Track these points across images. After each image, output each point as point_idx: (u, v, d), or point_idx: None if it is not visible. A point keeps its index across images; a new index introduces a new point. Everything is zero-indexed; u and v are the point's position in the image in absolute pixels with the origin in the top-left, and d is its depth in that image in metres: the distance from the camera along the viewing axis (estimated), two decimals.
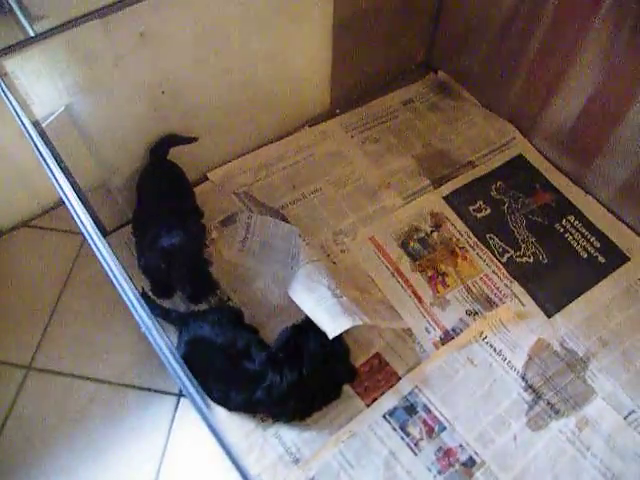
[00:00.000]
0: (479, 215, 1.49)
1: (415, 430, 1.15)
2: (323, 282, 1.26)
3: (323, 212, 1.49)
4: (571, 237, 1.45)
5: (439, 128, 1.69)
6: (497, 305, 1.33)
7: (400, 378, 1.21)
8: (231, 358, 1.13)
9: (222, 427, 0.68)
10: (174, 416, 1.21)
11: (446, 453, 1.13)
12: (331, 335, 1.15)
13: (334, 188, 1.54)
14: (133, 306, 0.74)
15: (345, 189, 1.54)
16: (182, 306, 1.28)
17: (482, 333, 1.28)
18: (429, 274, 1.38)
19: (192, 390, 0.71)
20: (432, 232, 1.45)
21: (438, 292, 1.35)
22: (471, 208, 1.50)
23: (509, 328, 1.29)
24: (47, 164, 0.84)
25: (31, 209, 1.50)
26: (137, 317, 0.73)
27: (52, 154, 0.86)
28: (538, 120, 1.58)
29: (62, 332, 1.32)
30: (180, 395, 1.23)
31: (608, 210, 1.49)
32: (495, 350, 1.26)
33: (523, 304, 1.33)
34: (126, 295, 0.74)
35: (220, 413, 1.14)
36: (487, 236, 1.45)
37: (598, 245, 1.43)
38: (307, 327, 1.14)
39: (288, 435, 1.14)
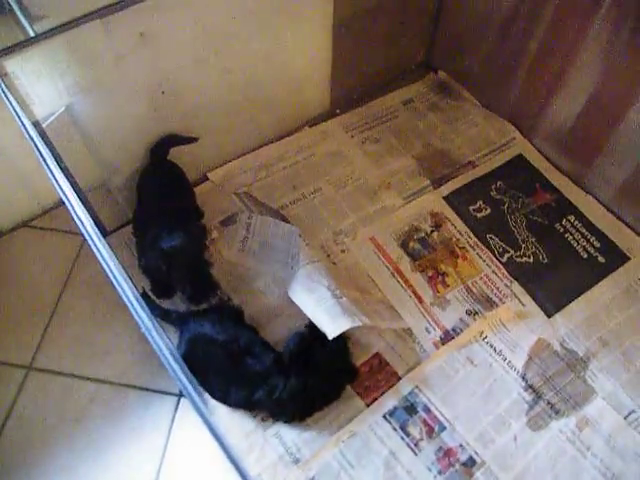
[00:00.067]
0: (479, 215, 1.49)
1: (415, 430, 1.15)
2: (323, 283, 1.26)
3: (323, 212, 1.49)
4: (571, 237, 1.45)
5: (439, 128, 1.69)
6: (497, 305, 1.33)
7: (400, 378, 1.21)
8: (232, 355, 1.13)
9: (222, 427, 0.68)
10: (174, 416, 1.21)
11: (446, 453, 1.13)
12: (331, 336, 1.15)
13: (334, 188, 1.54)
14: (133, 306, 0.74)
15: (345, 189, 1.54)
16: (182, 306, 1.28)
17: (482, 333, 1.28)
18: (429, 274, 1.38)
19: (192, 391, 0.71)
20: (432, 232, 1.45)
21: (438, 292, 1.35)
22: (471, 208, 1.50)
23: (509, 328, 1.29)
24: (47, 164, 0.84)
25: (31, 209, 1.50)
26: (137, 317, 0.73)
27: (52, 154, 0.86)
28: (538, 120, 1.58)
29: (62, 332, 1.32)
30: (180, 395, 1.23)
31: (608, 210, 1.49)
32: (495, 350, 1.26)
33: (523, 304, 1.33)
34: (126, 295, 0.74)
35: (220, 413, 1.14)
36: (487, 236, 1.45)
37: (598, 245, 1.43)
38: (316, 335, 1.14)
39: (288, 435, 1.14)
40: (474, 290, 1.35)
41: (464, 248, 1.42)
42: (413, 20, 1.69)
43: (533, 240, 1.44)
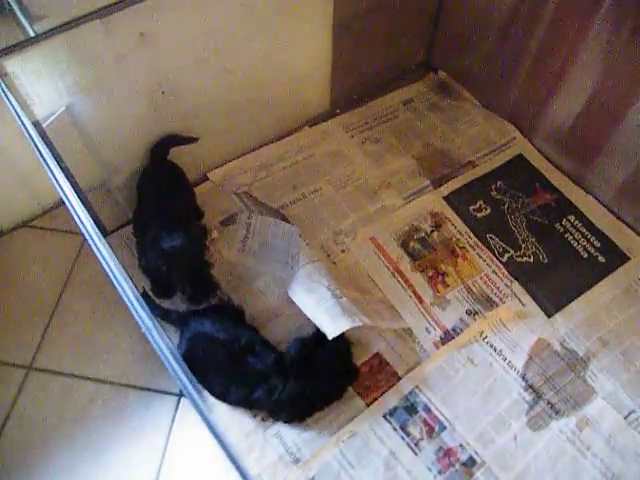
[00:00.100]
0: (479, 215, 1.49)
1: (415, 430, 1.15)
2: (323, 283, 1.26)
3: (323, 212, 1.49)
4: (571, 237, 1.45)
5: (439, 128, 1.69)
6: (497, 305, 1.33)
7: (400, 378, 1.21)
8: (233, 353, 1.13)
9: (222, 427, 0.68)
10: (174, 416, 1.21)
11: (446, 453, 1.13)
12: (330, 336, 1.15)
13: (334, 188, 1.54)
14: (133, 306, 0.74)
15: (345, 189, 1.54)
16: (182, 306, 1.28)
17: (482, 333, 1.28)
18: (429, 274, 1.38)
19: (192, 390, 0.71)
20: (432, 232, 1.45)
21: (438, 292, 1.35)
22: (471, 208, 1.50)
23: (509, 328, 1.29)
24: (47, 164, 0.84)
25: (31, 209, 1.50)
26: (137, 317, 0.74)
27: (52, 154, 0.86)
28: (538, 120, 1.58)
29: (62, 332, 1.32)
30: (180, 395, 1.23)
31: (608, 210, 1.49)
32: (495, 350, 1.26)
33: (523, 304, 1.33)
34: (126, 295, 0.74)
35: (220, 413, 1.14)
36: (487, 236, 1.45)
37: (598, 245, 1.43)
38: (318, 341, 1.14)
39: (288, 435, 1.14)
40: (474, 290, 1.35)
41: (464, 248, 1.42)
42: (413, 20, 1.69)
43: (533, 240, 1.44)
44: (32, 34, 1.05)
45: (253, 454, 1.11)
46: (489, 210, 1.50)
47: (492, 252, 1.42)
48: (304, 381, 1.09)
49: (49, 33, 1.02)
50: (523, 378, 1.22)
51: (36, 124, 1.05)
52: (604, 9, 1.25)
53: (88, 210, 0.81)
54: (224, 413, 1.14)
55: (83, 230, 0.79)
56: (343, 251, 1.41)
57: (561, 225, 1.47)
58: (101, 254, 0.77)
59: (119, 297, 0.75)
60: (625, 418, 1.18)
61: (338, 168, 1.59)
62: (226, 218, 1.45)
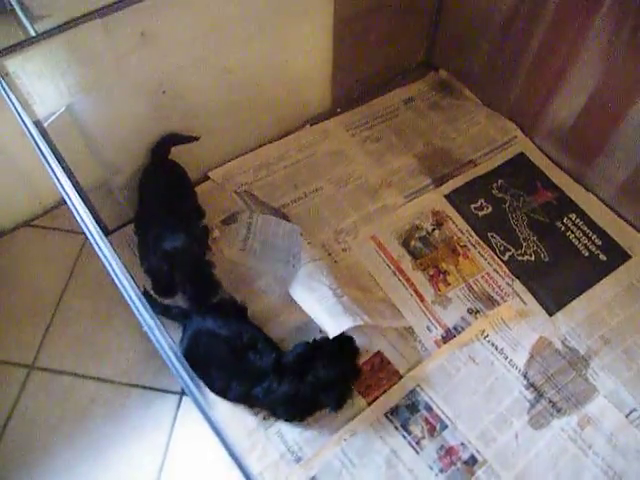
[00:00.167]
0: (480, 213, 1.49)
1: (417, 428, 1.15)
2: (324, 282, 1.26)
3: (324, 211, 1.49)
4: (572, 235, 1.45)
5: (440, 127, 1.69)
6: (499, 303, 1.33)
7: (402, 377, 1.21)
8: (235, 349, 1.13)
9: (224, 426, 0.68)
10: (176, 415, 1.22)
11: (448, 451, 1.13)
12: (331, 335, 1.15)
13: (335, 187, 1.54)
14: (135, 305, 0.74)
15: (346, 188, 1.54)
16: (184, 304, 1.28)
17: (484, 331, 1.28)
18: (430, 272, 1.38)
19: (194, 389, 0.71)
20: (433, 230, 1.45)
21: (439, 290, 1.35)
22: (472, 206, 1.50)
23: (511, 326, 1.29)
24: (49, 164, 0.84)
25: (33, 209, 1.50)
26: (139, 316, 0.74)
27: (54, 154, 0.86)
28: (539, 118, 1.58)
29: (64, 331, 1.32)
30: (182, 394, 1.24)
31: (609, 208, 1.49)
32: (497, 348, 1.26)
33: (525, 302, 1.33)
34: (128, 294, 0.74)
35: (222, 411, 1.14)
36: (488, 234, 1.45)
37: (599, 243, 1.43)
38: (322, 347, 1.14)
39: (290, 434, 1.14)
40: (475, 288, 1.35)
41: (465, 246, 1.42)
42: (414, 19, 1.69)
43: (534, 238, 1.44)
44: (33, 34, 1.05)
45: (255, 453, 1.12)
46: (490, 209, 1.50)
47: (493, 251, 1.42)
48: (298, 384, 1.09)
49: (50, 33, 1.02)
50: (524, 377, 1.22)
51: (37, 123, 1.05)
52: (605, 8, 1.25)
53: (89, 209, 0.81)
54: (226, 411, 1.15)
55: (84, 229, 0.79)
56: (344, 250, 1.42)
57: (562, 223, 1.47)
58: (102, 253, 0.77)
59: (120, 296, 0.75)
60: (627, 416, 1.17)
61: (339, 167, 1.58)
62: (227, 217, 1.45)
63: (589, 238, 1.44)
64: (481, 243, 1.43)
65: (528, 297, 1.34)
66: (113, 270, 0.76)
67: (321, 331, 1.23)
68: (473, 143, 1.65)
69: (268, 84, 1.48)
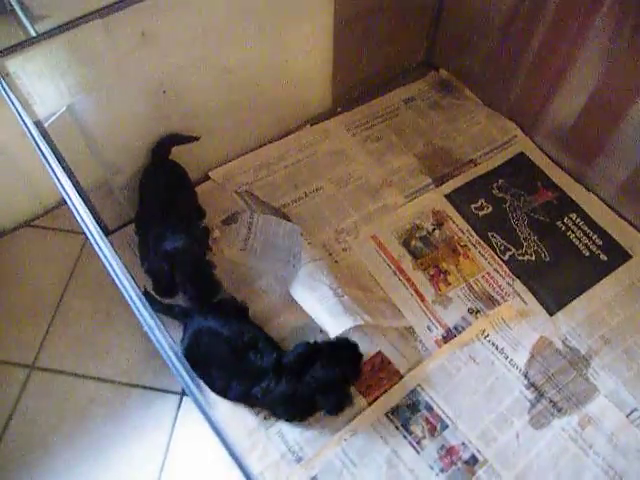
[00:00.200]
0: (481, 213, 1.49)
1: (417, 428, 1.15)
2: (325, 281, 1.26)
3: (325, 211, 1.49)
4: (573, 235, 1.45)
5: (441, 126, 1.69)
6: (499, 303, 1.33)
7: (402, 376, 1.21)
8: (236, 349, 1.13)
9: (224, 426, 0.68)
10: (177, 415, 1.22)
11: (448, 451, 1.13)
12: (332, 334, 1.15)
13: (336, 187, 1.54)
14: (135, 305, 0.74)
15: (347, 188, 1.54)
16: (184, 304, 1.28)
17: (484, 331, 1.28)
18: (431, 272, 1.38)
19: (194, 389, 0.71)
20: (434, 230, 1.45)
21: (440, 290, 1.35)
22: (473, 206, 1.50)
23: (511, 326, 1.29)
24: (49, 164, 0.84)
25: (33, 209, 1.51)
26: (139, 316, 0.74)
27: (54, 154, 0.86)
28: (540, 118, 1.58)
29: (64, 331, 1.32)
30: (183, 394, 1.24)
31: (610, 208, 1.49)
32: (497, 348, 1.26)
33: (525, 302, 1.33)
34: (128, 294, 0.74)
35: (222, 411, 1.14)
36: (489, 234, 1.45)
37: (600, 243, 1.43)
38: (322, 350, 1.13)
39: (291, 434, 1.14)
40: (476, 288, 1.35)
41: (466, 246, 1.42)
42: (414, 18, 1.69)
43: (535, 238, 1.44)
44: (33, 34, 1.05)
45: (255, 452, 1.12)
46: (491, 208, 1.50)
47: (494, 250, 1.42)
48: (295, 384, 1.08)
49: (50, 33, 1.02)
50: (525, 376, 1.22)
51: (38, 124, 1.05)
52: (605, 7, 1.25)
53: (90, 209, 0.81)
54: (226, 411, 1.15)
55: (85, 229, 0.79)
56: (345, 250, 1.41)
57: (563, 223, 1.47)
58: (103, 253, 0.77)
59: (121, 296, 0.75)
60: (627, 416, 1.17)
61: (339, 167, 1.58)
62: (228, 217, 1.45)
63: (590, 238, 1.44)
64: (481, 243, 1.43)
65: (529, 297, 1.34)
66: (113, 270, 0.76)
67: (321, 331, 1.23)
68: (473, 143, 1.65)
69: (268, 84, 1.48)
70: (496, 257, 1.40)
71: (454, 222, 1.47)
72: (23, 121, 0.90)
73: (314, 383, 1.08)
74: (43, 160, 0.85)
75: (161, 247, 1.20)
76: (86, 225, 0.79)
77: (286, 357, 1.12)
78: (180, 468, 1.16)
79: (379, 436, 1.14)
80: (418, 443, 1.14)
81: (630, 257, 1.40)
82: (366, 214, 1.48)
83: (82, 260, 1.44)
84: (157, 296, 1.28)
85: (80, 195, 0.81)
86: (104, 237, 0.78)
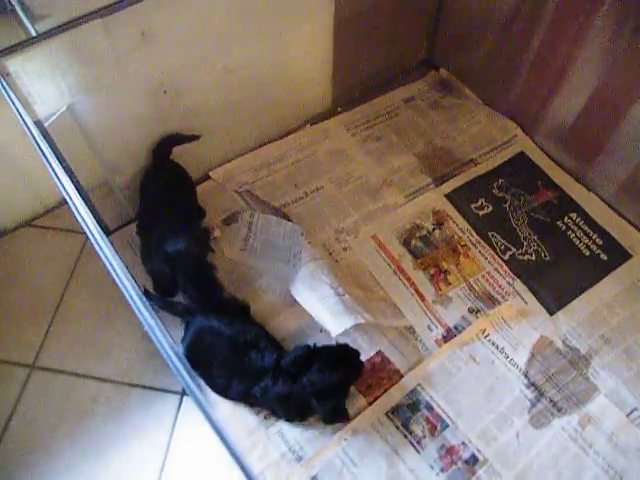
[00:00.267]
0: (481, 213, 1.49)
1: (418, 428, 1.16)
2: (325, 280, 1.26)
3: (325, 210, 1.49)
4: (573, 234, 1.45)
5: (441, 126, 1.69)
6: (499, 303, 1.33)
7: (402, 376, 1.21)
8: (238, 348, 1.13)
9: (225, 425, 0.68)
10: (177, 414, 1.22)
11: (449, 451, 1.13)
12: (333, 334, 1.15)
13: (336, 186, 1.54)
14: (136, 305, 0.74)
15: (347, 187, 1.54)
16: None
17: (484, 331, 1.28)
18: (431, 272, 1.38)
19: (195, 389, 0.71)
20: (434, 230, 1.45)
21: (440, 290, 1.35)
22: (473, 206, 1.50)
23: (511, 326, 1.29)
24: (49, 163, 0.84)
25: (34, 209, 1.51)
26: (140, 316, 0.74)
27: (54, 153, 0.86)
28: (540, 118, 1.58)
29: (65, 331, 1.32)
30: (183, 394, 1.24)
31: (610, 207, 1.49)
32: (497, 348, 1.26)
33: (525, 302, 1.33)
34: (129, 294, 0.74)
35: (223, 411, 1.14)
36: (489, 234, 1.45)
37: (600, 242, 1.43)
38: (321, 354, 1.12)
39: (291, 433, 1.14)
40: (476, 288, 1.35)
41: (466, 246, 1.42)
42: (414, 18, 1.69)
43: (535, 238, 1.44)
44: (34, 34, 1.05)
45: (256, 452, 1.12)
46: (491, 208, 1.50)
47: (494, 250, 1.42)
48: (291, 386, 1.08)
49: (51, 32, 1.02)
50: (525, 376, 1.22)
51: (38, 123, 1.05)
52: (606, 7, 1.25)
53: (90, 209, 0.81)
54: (226, 411, 1.15)
55: (85, 229, 0.79)
56: (345, 249, 1.42)
57: (563, 223, 1.47)
58: (103, 253, 0.77)
59: (121, 296, 0.75)
60: (627, 416, 1.17)
61: (339, 166, 1.58)
62: (228, 217, 1.45)
63: (590, 237, 1.44)
64: (482, 242, 1.43)
65: (529, 296, 1.34)
66: (114, 270, 0.76)
67: (322, 330, 1.23)
68: (473, 142, 1.65)
69: (268, 84, 1.48)
70: (496, 257, 1.41)
71: (454, 222, 1.47)
72: (23, 121, 0.90)
73: (310, 387, 1.07)
74: (43, 160, 0.85)
75: (162, 249, 1.20)
76: (86, 225, 0.79)
77: (284, 359, 1.12)
78: (180, 467, 1.16)
79: (379, 436, 1.14)
80: (418, 443, 1.14)
81: (630, 256, 1.41)
82: (366, 214, 1.48)
83: (82, 260, 1.44)
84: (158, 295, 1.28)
85: (80, 195, 0.81)
86: (104, 237, 0.78)
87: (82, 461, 1.16)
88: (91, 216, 0.79)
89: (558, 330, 1.29)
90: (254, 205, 1.48)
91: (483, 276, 1.37)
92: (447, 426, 1.16)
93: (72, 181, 0.83)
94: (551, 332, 1.28)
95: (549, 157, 1.60)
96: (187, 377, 0.71)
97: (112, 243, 0.78)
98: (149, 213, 1.33)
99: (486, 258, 1.40)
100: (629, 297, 1.34)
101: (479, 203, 1.51)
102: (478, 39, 1.62)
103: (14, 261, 1.44)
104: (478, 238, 1.44)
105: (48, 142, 0.90)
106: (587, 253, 1.41)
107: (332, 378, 1.08)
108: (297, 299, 1.24)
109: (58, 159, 0.85)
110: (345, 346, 1.14)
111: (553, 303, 1.33)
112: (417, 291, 1.34)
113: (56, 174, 0.83)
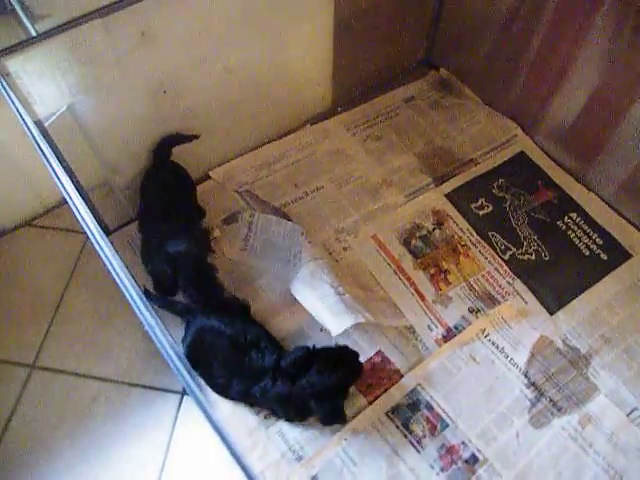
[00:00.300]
0: (481, 212, 1.49)
1: (418, 427, 1.16)
2: (326, 280, 1.26)
3: (325, 210, 1.49)
4: (573, 234, 1.45)
5: (441, 126, 1.69)
6: (499, 302, 1.33)
7: (403, 376, 1.21)
8: (238, 348, 1.13)
9: (225, 425, 0.68)
10: (177, 414, 1.22)
11: (449, 450, 1.13)
12: (334, 333, 1.15)
13: (336, 186, 1.54)
14: (136, 304, 0.74)
15: (347, 187, 1.54)
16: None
17: (484, 330, 1.28)
18: (431, 272, 1.38)
19: (195, 388, 0.71)
20: (434, 230, 1.45)
21: (440, 290, 1.35)
22: (473, 206, 1.50)
23: (511, 325, 1.29)
24: (50, 163, 0.84)
25: (34, 208, 1.51)
26: (140, 315, 0.74)
27: (54, 153, 0.86)
28: (540, 117, 1.58)
29: (65, 331, 1.33)
30: (183, 393, 1.24)
31: (610, 207, 1.49)
32: (497, 347, 1.26)
33: (525, 301, 1.33)
34: (129, 293, 0.74)
35: (223, 410, 1.14)
36: (489, 233, 1.45)
37: (600, 242, 1.43)
38: (320, 355, 1.12)
39: (291, 433, 1.14)
40: (476, 287, 1.35)
41: (466, 246, 1.42)
42: (414, 18, 1.69)
43: (535, 237, 1.44)
44: (34, 33, 1.05)
45: (256, 452, 1.12)
46: (491, 208, 1.50)
47: (494, 250, 1.42)
48: (290, 387, 1.08)
49: (51, 32, 1.02)
50: (525, 375, 1.22)
51: (38, 123, 1.05)
52: (606, 6, 1.25)
53: (90, 209, 0.81)
54: (226, 411, 1.15)
55: (85, 229, 0.79)
56: (345, 249, 1.42)
57: (563, 222, 1.47)
58: (103, 253, 0.77)
59: (122, 295, 0.75)
60: (627, 415, 1.18)
61: (339, 166, 1.58)
62: (228, 216, 1.45)
63: (590, 237, 1.44)
64: (482, 242, 1.43)
65: (529, 296, 1.34)
66: (114, 269, 0.76)
67: (322, 330, 1.23)
68: (473, 142, 1.65)
69: (268, 84, 1.48)
70: (496, 256, 1.41)
71: (454, 221, 1.47)
72: (23, 121, 0.90)
73: (309, 388, 1.07)
74: (43, 159, 0.85)
75: (163, 249, 1.20)
76: (87, 224, 0.79)
77: (284, 360, 1.11)
78: (181, 467, 1.16)
79: (379, 435, 1.14)
80: (418, 442, 1.14)
81: (630, 256, 1.41)
82: (366, 213, 1.48)
83: (83, 259, 1.44)
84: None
85: (80, 194, 0.81)
86: (104, 236, 0.78)
87: (82, 461, 1.16)
88: (91, 216, 0.79)
89: (558, 330, 1.29)
90: (254, 205, 1.48)
91: (483, 276, 1.37)
92: (447, 426, 1.16)
93: (72, 181, 0.84)
94: (551, 332, 1.28)
95: (549, 157, 1.60)
96: (187, 377, 0.71)
97: (112, 243, 0.78)
98: (150, 213, 1.33)
99: (486, 258, 1.40)
100: (629, 297, 1.34)
101: (479, 203, 1.51)
102: (478, 39, 1.62)
103: (14, 261, 1.44)
104: (478, 238, 1.44)
105: (48, 142, 0.90)
106: (587, 253, 1.41)
107: (331, 380, 1.08)
108: (297, 298, 1.24)
109: (58, 159, 0.85)
110: (344, 348, 1.15)
111: (553, 303, 1.33)
112: (417, 291, 1.34)
113: (56, 174, 0.83)
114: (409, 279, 1.36)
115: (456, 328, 1.29)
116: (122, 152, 1.34)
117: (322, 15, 1.44)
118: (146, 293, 1.24)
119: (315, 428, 1.15)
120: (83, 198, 0.81)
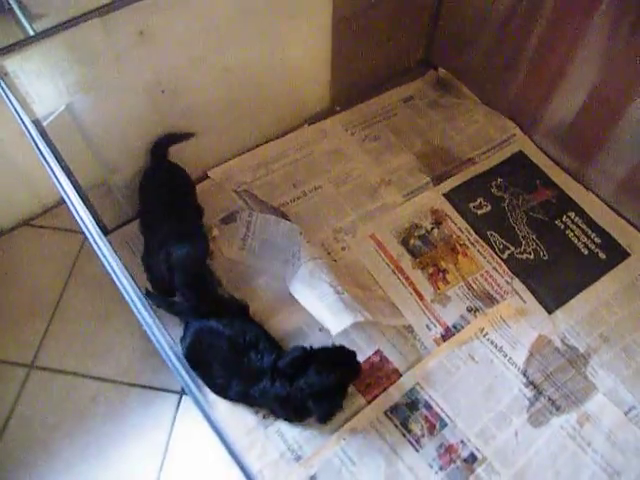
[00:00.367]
0: (479, 212, 1.49)
1: (416, 427, 1.16)
2: (325, 279, 1.26)
3: (323, 210, 1.49)
4: (572, 233, 1.45)
5: (439, 125, 1.69)
6: (498, 301, 1.33)
7: (401, 375, 1.22)
8: (237, 348, 1.13)
9: (223, 424, 0.68)
10: (176, 414, 1.22)
11: (447, 449, 1.13)
12: (333, 332, 1.15)
13: (334, 186, 1.54)
14: (134, 304, 0.74)
15: (345, 187, 1.54)
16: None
17: (483, 329, 1.28)
18: (430, 271, 1.38)
19: (194, 388, 0.71)
20: (432, 229, 1.45)
21: (439, 289, 1.35)
22: (471, 205, 1.50)
23: (510, 324, 1.29)
24: (48, 163, 0.84)
25: (32, 208, 1.50)
26: (138, 315, 0.74)
27: (53, 153, 0.86)
28: (538, 117, 1.58)
29: (64, 330, 1.32)
30: (182, 393, 1.24)
31: (609, 206, 1.49)
32: (496, 346, 1.26)
33: (524, 300, 1.33)
34: (127, 293, 0.74)
35: (221, 410, 1.14)
36: (488, 233, 1.45)
37: (599, 241, 1.43)
38: (317, 356, 1.12)
39: (290, 432, 1.14)
40: (475, 287, 1.35)
41: (464, 245, 1.42)
42: (412, 17, 1.69)
43: (534, 237, 1.44)
44: (32, 33, 1.05)
45: (254, 451, 1.12)
46: (489, 207, 1.50)
47: (492, 249, 1.42)
48: (289, 388, 1.08)
49: (49, 32, 1.02)
50: (524, 374, 1.22)
51: (36, 123, 1.05)
52: (604, 5, 1.25)
53: (89, 208, 0.81)
54: (225, 410, 1.15)
55: (84, 228, 0.79)
56: (343, 249, 1.41)
57: (561, 222, 1.47)
58: (102, 252, 0.77)
59: (120, 295, 0.75)
60: (626, 414, 1.18)
61: (338, 166, 1.58)
62: (226, 216, 1.45)
63: (588, 236, 1.44)
64: (480, 241, 1.43)
65: (527, 295, 1.34)
66: (112, 269, 0.76)
67: (321, 329, 1.23)
68: (472, 141, 1.65)
69: (267, 83, 1.48)
70: (495, 256, 1.41)
71: (453, 221, 1.47)
72: (22, 120, 0.90)
73: (307, 389, 1.07)
74: (42, 159, 0.85)
75: (163, 250, 1.20)
76: (85, 224, 0.79)
77: (281, 360, 1.11)
78: (179, 467, 1.16)
79: (378, 435, 1.14)
80: (417, 441, 1.14)
81: (629, 255, 1.41)
82: (365, 213, 1.48)
83: (81, 259, 1.44)
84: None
85: (79, 194, 0.81)
86: (103, 236, 0.78)
87: (81, 460, 1.16)
88: (89, 215, 0.79)
89: (557, 329, 1.29)
90: (252, 204, 1.48)
91: (482, 275, 1.37)
92: (446, 425, 1.16)
93: (70, 180, 0.84)
94: (550, 331, 1.28)
95: (547, 156, 1.60)
96: (186, 376, 0.71)
97: (110, 242, 0.78)
98: (149, 216, 1.33)
99: (485, 257, 1.40)
100: (628, 296, 1.34)
101: (477, 202, 1.51)
102: (476, 38, 1.62)
103: (12, 261, 1.44)
104: (477, 237, 1.44)
105: (46, 141, 0.90)
106: (585, 252, 1.42)
107: (329, 380, 1.08)
108: (296, 297, 1.24)
109: (56, 158, 0.85)
110: (342, 347, 1.15)
111: (552, 302, 1.33)
112: (416, 290, 1.34)
113: (54, 173, 0.83)
114: (407, 278, 1.36)
115: (455, 327, 1.29)
116: (120, 151, 1.34)
117: (320, 15, 1.44)
118: (145, 293, 1.24)
119: (314, 428, 1.15)
120: (81, 198, 0.81)
